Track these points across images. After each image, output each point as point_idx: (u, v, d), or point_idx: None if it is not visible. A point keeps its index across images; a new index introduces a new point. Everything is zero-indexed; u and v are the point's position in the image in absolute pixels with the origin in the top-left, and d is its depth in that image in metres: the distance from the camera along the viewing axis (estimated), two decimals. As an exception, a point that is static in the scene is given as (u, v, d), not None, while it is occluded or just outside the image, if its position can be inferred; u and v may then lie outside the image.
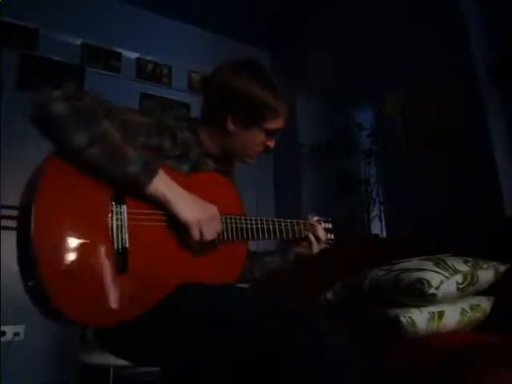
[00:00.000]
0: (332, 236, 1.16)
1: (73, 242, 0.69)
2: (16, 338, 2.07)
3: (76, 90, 0.76)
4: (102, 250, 0.72)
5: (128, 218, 0.76)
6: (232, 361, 0.63)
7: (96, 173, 0.74)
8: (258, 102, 0.91)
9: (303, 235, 1.05)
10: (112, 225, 0.74)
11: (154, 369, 0.90)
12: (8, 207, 1.83)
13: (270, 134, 0.97)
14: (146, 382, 1.84)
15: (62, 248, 0.68)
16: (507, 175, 1.78)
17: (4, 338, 2.04)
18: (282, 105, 0.95)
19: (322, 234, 1.07)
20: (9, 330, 2.06)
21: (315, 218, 1.12)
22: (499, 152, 1.80)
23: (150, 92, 2.88)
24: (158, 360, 0.84)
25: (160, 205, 0.78)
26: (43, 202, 0.68)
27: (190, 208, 0.79)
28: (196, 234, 0.80)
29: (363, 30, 2.56)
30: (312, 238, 1.05)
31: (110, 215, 0.75)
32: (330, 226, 1.17)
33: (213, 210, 0.84)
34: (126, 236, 0.75)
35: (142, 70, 2.90)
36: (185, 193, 0.81)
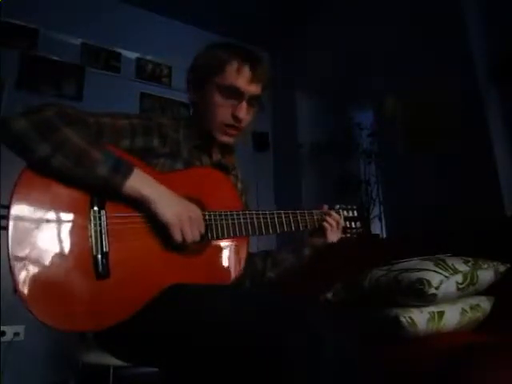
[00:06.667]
0: (358, 224, 1.11)
1: (48, 249, 0.70)
2: (16, 338, 2.07)
3: (37, 105, 0.75)
4: (80, 256, 0.72)
5: (108, 222, 0.75)
6: (230, 361, 0.62)
7: (67, 181, 0.73)
8: (205, 60, 0.97)
9: (309, 226, 1.00)
10: (91, 230, 0.73)
11: (154, 369, 0.89)
12: (7, 207, 1.82)
13: (225, 93, 0.91)
14: (145, 382, 1.84)
15: (37, 256, 0.69)
16: (507, 175, 1.78)
17: (4, 338, 2.03)
18: (233, 60, 0.92)
19: (334, 221, 1.03)
20: (9, 330, 2.05)
21: (336, 206, 1.09)
22: (499, 152, 1.80)
23: (150, 92, 2.88)
24: (154, 361, 0.83)
25: (139, 205, 0.77)
26: (17, 213, 0.70)
27: (170, 207, 0.77)
28: (178, 235, 0.77)
29: (363, 29, 2.56)
30: (327, 225, 1.01)
31: (88, 221, 0.74)
32: (354, 214, 1.11)
33: (194, 209, 0.81)
34: (106, 240, 0.74)
35: (142, 70, 2.89)
36: (165, 191, 0.78)
